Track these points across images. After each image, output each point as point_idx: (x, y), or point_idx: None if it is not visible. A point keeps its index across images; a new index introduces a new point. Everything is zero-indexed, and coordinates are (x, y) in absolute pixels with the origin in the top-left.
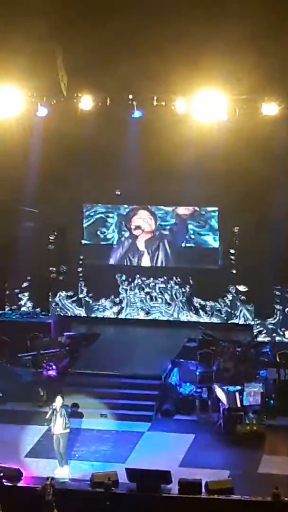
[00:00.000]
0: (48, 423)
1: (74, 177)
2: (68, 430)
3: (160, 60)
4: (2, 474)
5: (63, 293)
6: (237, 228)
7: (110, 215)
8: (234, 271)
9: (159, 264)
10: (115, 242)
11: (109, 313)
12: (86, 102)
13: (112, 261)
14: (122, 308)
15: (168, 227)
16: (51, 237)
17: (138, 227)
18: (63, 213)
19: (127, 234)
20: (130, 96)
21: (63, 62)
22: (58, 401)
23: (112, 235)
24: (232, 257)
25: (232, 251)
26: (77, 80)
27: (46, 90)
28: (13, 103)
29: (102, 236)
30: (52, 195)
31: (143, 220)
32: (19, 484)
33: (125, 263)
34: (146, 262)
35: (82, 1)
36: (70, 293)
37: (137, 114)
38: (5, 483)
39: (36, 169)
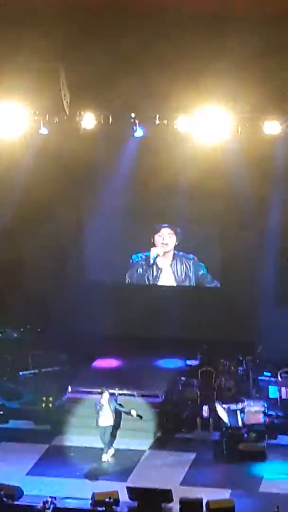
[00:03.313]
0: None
1: (76, 196)
2: (112, 423)
3: (163, 79)
4: (2, 492)
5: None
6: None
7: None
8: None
9: (186, 283)
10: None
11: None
12: (89, 121)
13: (129, 280)
14: None
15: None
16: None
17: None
18: (64, 231)
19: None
20: (133, 115)
21: (66, 80)
22: (105, 396)
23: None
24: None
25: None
26: (79, 99)
27: (49, 108)
28: (17, 122)
29: None
30: (53, 214)
31: (163, 238)
32: (19, 503)
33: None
34: (165, 280)
35: (85, 20)
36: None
37: (139, 133)
38: (5, 501)
39: (37, 187)
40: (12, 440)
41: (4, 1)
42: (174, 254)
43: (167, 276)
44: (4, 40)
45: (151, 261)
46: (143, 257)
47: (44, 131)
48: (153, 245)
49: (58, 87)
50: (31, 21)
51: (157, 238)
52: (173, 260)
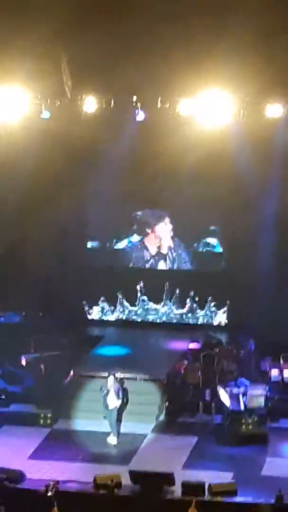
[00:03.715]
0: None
1: (77, 180)
2: (118, 405)
3: (165, 62)
4: (5, 476)
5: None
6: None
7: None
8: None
9: (175, 267)
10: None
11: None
12: (90, 104)
13: (130, 264)
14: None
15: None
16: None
17: (149, 232)
18: (66, 215)
19: (137, 238)
20: (134, 98)
21: (68, 64)
22: (110, 381)
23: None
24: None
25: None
26: (81, 82)
27: (51, 92)
28: (19, 105)
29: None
30: (55, 197)
31: (165, 224)
32: (21, 486)
33: (141, 266)
34: (163, 264)
35: (87, 4)
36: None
37: (141, 116)
38: (7, 485)
39: (39, 171)
40: (14, 424)
41: None
42: (171, 238)
43: (165, 260)
44: (6, 24)
45: (150, 245)
46: (141, 240)
47: (45, 114)
48: (152, 229)
49: (59, 71)
50: (33, 5)
51: (158, 224)
52: (170, 244)
